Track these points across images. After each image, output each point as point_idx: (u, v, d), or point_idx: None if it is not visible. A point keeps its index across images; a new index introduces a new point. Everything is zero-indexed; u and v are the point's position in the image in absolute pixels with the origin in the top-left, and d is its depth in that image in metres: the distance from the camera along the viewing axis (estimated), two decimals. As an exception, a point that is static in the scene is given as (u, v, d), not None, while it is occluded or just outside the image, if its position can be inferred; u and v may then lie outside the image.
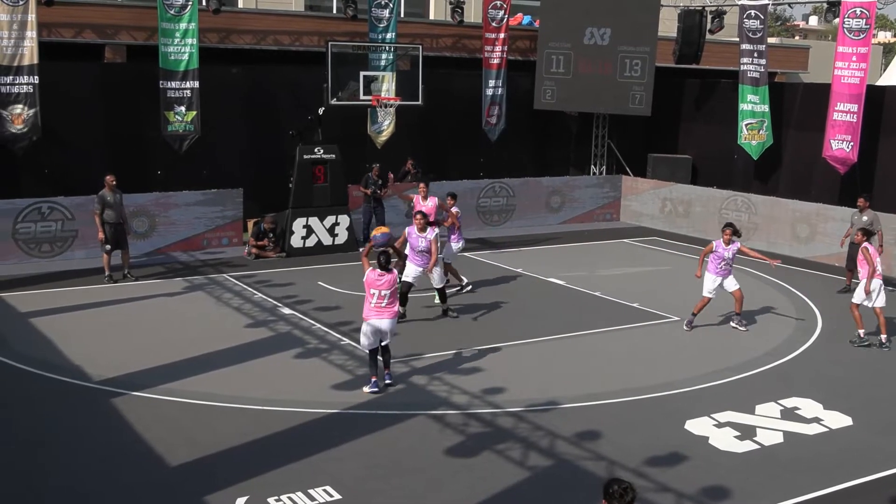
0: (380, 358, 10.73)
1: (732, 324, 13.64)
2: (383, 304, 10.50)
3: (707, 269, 13.50)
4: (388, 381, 10.78)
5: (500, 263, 17.78)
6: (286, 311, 13.98)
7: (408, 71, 19.63)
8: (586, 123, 24.73)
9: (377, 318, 10.52)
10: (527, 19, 24.94)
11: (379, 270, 10.50)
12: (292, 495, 8.00)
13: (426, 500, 8.07)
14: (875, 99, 20.05)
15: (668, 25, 23.94)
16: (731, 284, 13.42)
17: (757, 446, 9.39)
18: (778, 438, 9.59)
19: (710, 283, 13.44)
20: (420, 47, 19.14)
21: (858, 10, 19.31)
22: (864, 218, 15.91)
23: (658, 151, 24.51)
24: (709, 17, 22.72)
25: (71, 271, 15.94)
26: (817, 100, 20.84)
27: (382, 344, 10.68)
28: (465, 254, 18.38)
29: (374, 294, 10.47)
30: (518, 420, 9.88)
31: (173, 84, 18.16)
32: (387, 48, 19.84)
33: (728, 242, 13.17)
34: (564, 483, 8.47)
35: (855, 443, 9.56)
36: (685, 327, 13.53)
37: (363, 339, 10.67)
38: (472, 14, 23.89)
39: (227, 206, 18.36)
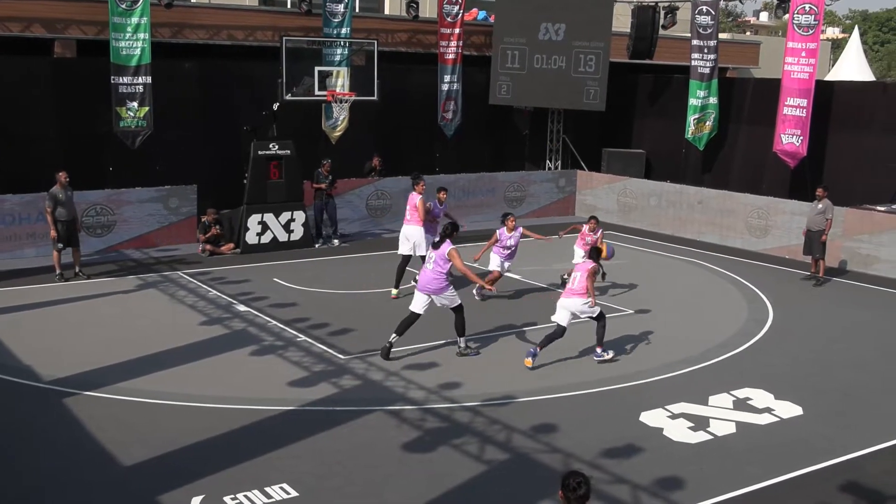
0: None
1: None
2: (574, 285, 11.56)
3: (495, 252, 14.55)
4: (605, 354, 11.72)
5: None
6: (241, 308, 13.88)
7: (363, 66, 19.56)
8: (541, 118, 24.85)
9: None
10: (482, 14, 24.99)
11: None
12: (249, 493, 7.95)
13: (383, 496, 8.08)
14: (824, 94, 20.40)
15: (621, 21, 24.13)
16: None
17: (710, 437, 9.52)
18: (731, 429, 9.74)
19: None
20: (375, 42, 19.07)
21: (808, 7, 19.63)
22: (819, 206, 16.21)
23: (612, 146, 24.72)
24: (662, 12, 22.95)
25: (20, 270, 15.67)
26: (768, 95, 21.16)
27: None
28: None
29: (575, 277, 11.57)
30: (475, 414, 9.92)
31: (125, 79, 17.94)
32: (341, 43, 19.78)
33: (511, 230, 14.30)
34: (521, 476, 8.52)
35: (805, 432, 9.74)
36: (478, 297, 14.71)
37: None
38: (428, 9, 23.91)
39: (181, 202, 18.19)
